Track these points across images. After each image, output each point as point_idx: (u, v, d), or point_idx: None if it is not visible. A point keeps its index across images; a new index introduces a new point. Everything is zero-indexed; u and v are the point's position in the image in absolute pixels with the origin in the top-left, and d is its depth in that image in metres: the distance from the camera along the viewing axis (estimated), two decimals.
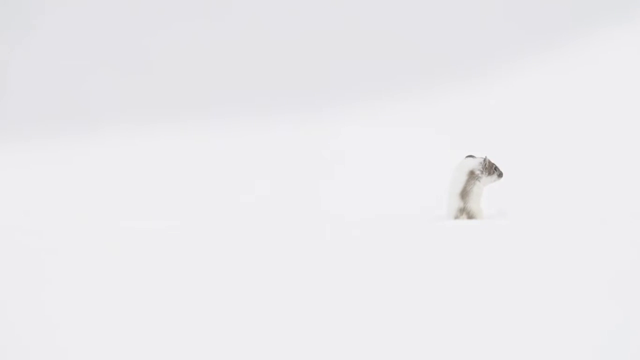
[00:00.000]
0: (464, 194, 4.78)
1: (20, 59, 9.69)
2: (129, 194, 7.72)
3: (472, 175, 4.80)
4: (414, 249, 3.59)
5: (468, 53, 9.60)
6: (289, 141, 8.78)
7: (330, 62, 9.65)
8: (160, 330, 2.71)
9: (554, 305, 2.74)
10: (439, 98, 9.19)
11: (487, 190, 4.87)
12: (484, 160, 4.83)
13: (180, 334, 2.66)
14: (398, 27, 9.84)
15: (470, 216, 4.75)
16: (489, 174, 4.82)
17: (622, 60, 8.99)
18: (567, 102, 8.73)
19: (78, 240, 4.42)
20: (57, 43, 9.78)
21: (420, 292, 2.91)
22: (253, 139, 8.88)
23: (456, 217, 4.79)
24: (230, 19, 9.95)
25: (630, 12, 9.40)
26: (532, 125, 8.43)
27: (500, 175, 4.84)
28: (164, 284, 3.19)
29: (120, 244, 4.24)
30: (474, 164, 4.81)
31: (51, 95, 9.50)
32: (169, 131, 9.13)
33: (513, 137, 8.28)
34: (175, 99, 9.47)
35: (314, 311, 2.80)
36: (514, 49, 9.54)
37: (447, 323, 2.65)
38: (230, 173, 8.26)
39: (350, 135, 8.74)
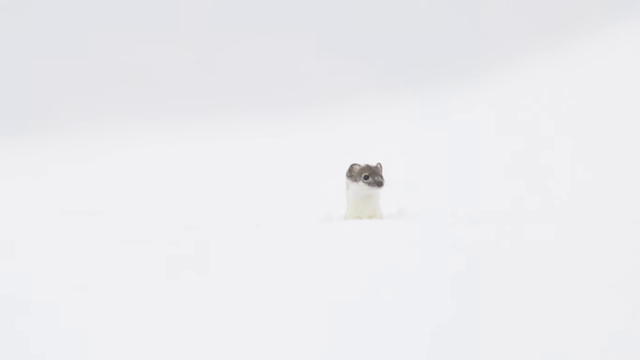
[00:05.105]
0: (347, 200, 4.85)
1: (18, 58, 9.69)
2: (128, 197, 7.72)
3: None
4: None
5: (470, 51, 9.59)
6: (285, 141, 8.79)
7: (330, 60, 9.64)
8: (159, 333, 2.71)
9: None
10: (442, 95, 9.18)
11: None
12: (351, 167, 4.81)
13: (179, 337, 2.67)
14: (402, 27, 9.83)
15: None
16: (354, 180, 4.77)
17: (629, 56, 8.98)
18: (571, 99, 8.73)
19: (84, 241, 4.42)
20: (55, 41, 9.78)
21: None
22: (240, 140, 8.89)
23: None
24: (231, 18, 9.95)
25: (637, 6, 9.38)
26: (540, 122, 8.42)
27: (371, 184, 4.72)
28: (164, 286, 3.19)
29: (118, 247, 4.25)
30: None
31: (52, 96, 9.49)
32: (167, 132, 9.13)
33: (517, 135, 8.28)
34: (172, 99, 9.47)
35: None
36: (517, 46, 9.53)
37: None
38: (227, 174, 8.27)
39: (354, 133, 8.73)
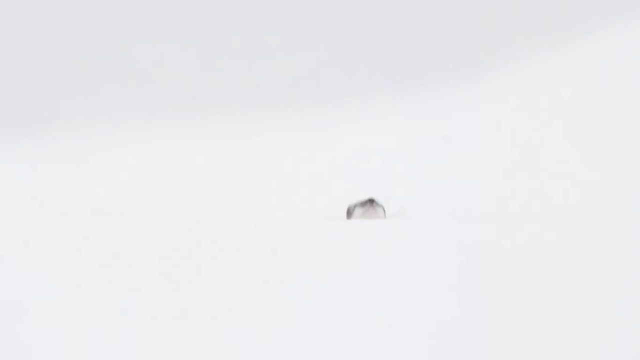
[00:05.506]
0: None
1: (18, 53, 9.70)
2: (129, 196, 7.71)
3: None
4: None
5: (470, 51, 9.59)
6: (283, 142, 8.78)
7: (331, 59, 9.64)
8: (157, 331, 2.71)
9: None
10: (442, 95, 9.17)
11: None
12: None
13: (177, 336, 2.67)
14: (402, 26, 9.83)
15: None
16: (352, 218, 5.11)
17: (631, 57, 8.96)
18: (571, 99, 8.72)
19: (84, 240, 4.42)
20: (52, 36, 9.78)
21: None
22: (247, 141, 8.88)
23: None
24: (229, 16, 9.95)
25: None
26: (542, 123, 8.41)
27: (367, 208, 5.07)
28: (164, 286, 3.19)
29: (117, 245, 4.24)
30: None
31: (52, 95, 9.49)
32: (168, 133, 9.13)
33: (520, 135, 8.27)
34: (171, 99, 9.47)
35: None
36: (517, 46, 9.52)
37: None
38: (227, 173, 8.25)
39: (354, 134, 8.72)
